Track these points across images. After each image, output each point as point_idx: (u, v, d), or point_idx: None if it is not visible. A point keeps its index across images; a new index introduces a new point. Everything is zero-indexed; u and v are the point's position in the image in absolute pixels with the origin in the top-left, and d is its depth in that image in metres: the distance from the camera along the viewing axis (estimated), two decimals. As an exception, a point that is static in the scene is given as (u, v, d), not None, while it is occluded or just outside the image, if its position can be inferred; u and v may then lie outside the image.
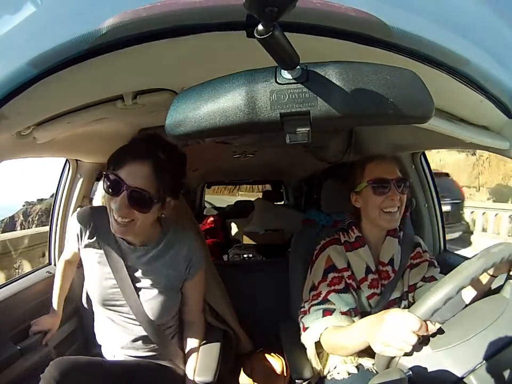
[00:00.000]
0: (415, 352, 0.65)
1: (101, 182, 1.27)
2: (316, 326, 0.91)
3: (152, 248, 0.96)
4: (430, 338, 0.65)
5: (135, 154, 0.81)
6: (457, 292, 0.63)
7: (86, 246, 0.97)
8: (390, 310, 0.66)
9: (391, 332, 0.60)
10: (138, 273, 0.96)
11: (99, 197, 1.27)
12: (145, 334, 0.98)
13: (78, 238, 0.97)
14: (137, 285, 0.96)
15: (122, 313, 0.97)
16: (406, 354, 0.61)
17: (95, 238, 0.95)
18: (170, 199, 0.88)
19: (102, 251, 0.95)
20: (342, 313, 0.92)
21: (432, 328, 0.61)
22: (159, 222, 0.99)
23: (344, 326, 0.87)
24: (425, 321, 0.61)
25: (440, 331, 0.66)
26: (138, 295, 0.95)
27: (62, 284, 1.11)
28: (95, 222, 0.95)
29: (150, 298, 0.95)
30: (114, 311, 0.97)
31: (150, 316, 0.95)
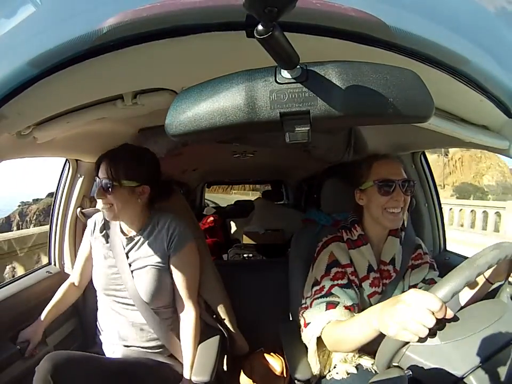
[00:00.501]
0: (421, 345, 0.64)
1: None
2: (318, 320, 0.89)
3: (143, 232, 1.07)
4: (446, 324, 0.63)
5: (101, 157, 1.02)
6: (476, 276, 0.64)
7: (96, 238, 1.13)
8: (411, 289, 0.61)
9: (409, 312, 0.56)
10: (133, 258, 1.06)
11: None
12: (144, 321, 1.03)
13: (91, 233, 1.14)
14: (133, 268, 1.05)
15: (122, 298, 1.04)
16: (419, 341, 0.56)
17: (104, 232, 1.12)
18: (136, 184, 1.01)
19: (108, 244, 1.10)
20: (346, 307, 0.90)
21: (451, 312, 0.56)
22: (150, 211, 1.10)
23: (348, 319, 0.84)
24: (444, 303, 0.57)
25: (455, 318, 0.64)
26: (134, 278, 1.03)
27: (59, 301, 1.12)
28: (105, 220, 1.13)
29: (143, 279, 1.03)
30: (115, 296, 1.05)
31: (143, 297, 1.02)
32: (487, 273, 0.81)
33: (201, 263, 1.14)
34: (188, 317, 1.07)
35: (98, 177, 1.00)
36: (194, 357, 1.04)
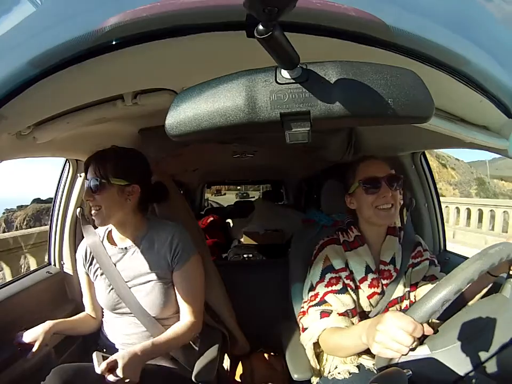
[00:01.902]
0: (414, 354, 0.66)
1: None
2: (314, 327, 0.92)
3: (140, 243, 1.02)
4: (427, 338, 0.65)
5: (90, 159, 1.00)
6: (455, 294, 0.63)
7: (89, 266, 1.08)
8: (388, 312, 0.65)
9: (387, 333, 0.60)
10: (132, 273, 1.02)
11: None
12: (149, 332, 1.01)
13: (83, 262, 1.09)
14: (133, 283, 1.01)
15: (128, 313, 1.02)
16: (402, 354, 0.60)
17: (92, 257, 1.07)
18: (126, 183, 0.98)
19: (98, 263, 1.05)
20: (339, 314, 0.92)
21: (429, 330, 0.61)
22: (145, 216, 1.06)
23: (343, 328, 0.87)
24: (421, 323, 0.61)
25: (435, 331, 0.66)
26: (135, 294, 1.00)
27: (74, 321, 1.09)
28: (89, 245, 1.08)
29: (146, 294, 1.00)
30: (122, 313, 1.03)
31: (148, 310, 0.99)
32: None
33: (203, 265, 1.11)
34: (187, 325, 1.02)
35: (87, 179, 0.97)
36: (166, 346, 0.98)
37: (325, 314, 0.92)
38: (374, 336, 0.62)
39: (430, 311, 0.63)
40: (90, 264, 1.07)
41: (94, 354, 0.82)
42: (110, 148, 1.03)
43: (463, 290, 0.64)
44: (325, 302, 0.94)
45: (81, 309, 1.27)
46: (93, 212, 0.97)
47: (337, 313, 0.92)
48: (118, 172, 0.97)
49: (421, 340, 0.65)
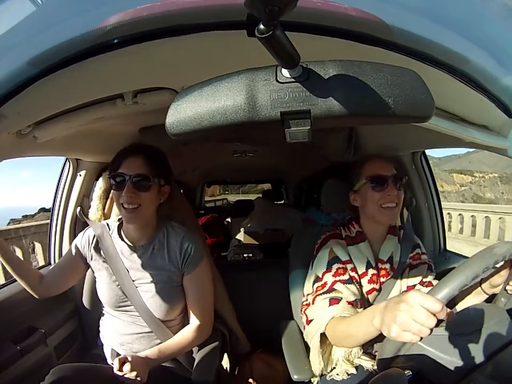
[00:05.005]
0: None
1: (98, 182, 1.27)
2: (322, 316, 0.89)
3: (150, 244, 1.01)
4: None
5: (128, 152, 0.96)
6: (473, 279, 0.64)
7: (93, 259, 1.04)
8: (408, 292, 0.61)
9: (410, 314, 0.56)
10: (140, 272, 1.00)
11: (96, 195, 1.26)
12: (151, 331, 1.00)
13: (81, 249, 1.05)
14: (140, 283, 0.99)
15: (129, 311, 1.01)
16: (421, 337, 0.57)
17: (99, 250, 1.03)
18: (164, 183, 0.99)
19: (105, 258, 1.02)
20: (349, 302, 0.90)
21: (450, 311, 0.58)
22: (157, 218, 1.03)
23: (352, 316, 0.85)
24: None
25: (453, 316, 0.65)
26: (142, 294, 0.98)
27: (18, 260, 1.02)
28: (98, 236, 1.04)
29: (153, 295, 0.98)
30: (124, 311, 1.01)
31: (153, 312, 0.98)
32: (483, 285, 0.82)
33: None
34: (193, 327, 1.02)
35: (123, 174, 0.92)
36: (173, 352, 0.98)
37: (334, 301, 0.90)
38: (394, 317, 0.58)
39: (451, 292, 0.62)
40: (95, 253, 1.03)
41: (109, 351, 0.91)
42: (144, 145, 0.99)
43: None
44: (334, 289, 0.92)
45: (82, 308, 1.27)
46: (128, 208, 0.92)
47: (347, 301, 0.90)
48: (163, 172, 0.97)
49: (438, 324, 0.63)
